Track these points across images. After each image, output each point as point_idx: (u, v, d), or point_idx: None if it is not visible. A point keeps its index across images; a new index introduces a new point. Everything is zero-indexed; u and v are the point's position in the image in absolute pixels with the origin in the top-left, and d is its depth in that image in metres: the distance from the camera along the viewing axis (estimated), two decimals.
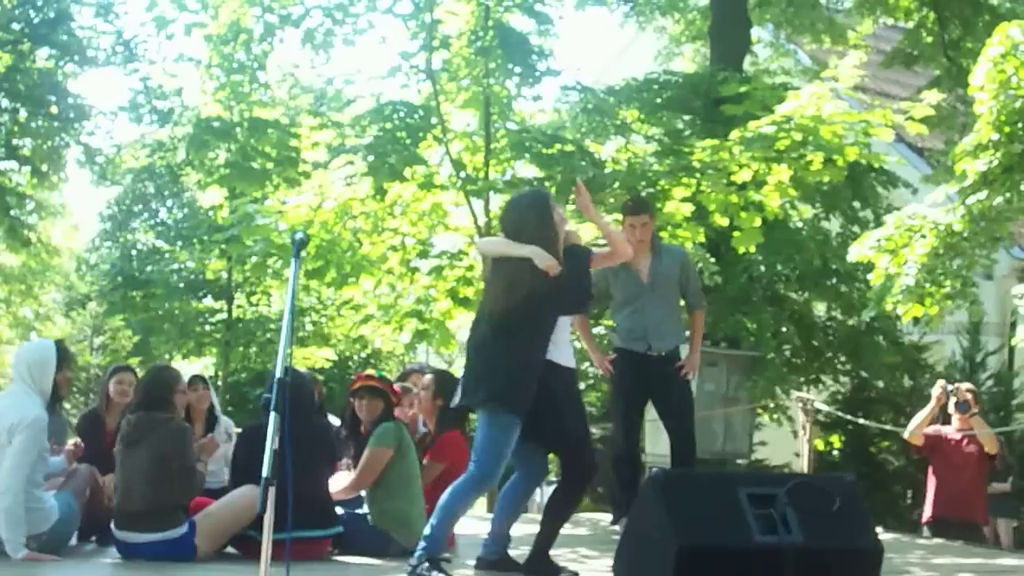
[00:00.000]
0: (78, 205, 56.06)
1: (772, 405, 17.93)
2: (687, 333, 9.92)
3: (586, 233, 11.05)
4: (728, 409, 16.66)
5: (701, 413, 12.72)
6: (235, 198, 17.07)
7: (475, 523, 10.38)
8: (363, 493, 9.04)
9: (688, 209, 13.66)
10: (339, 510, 8.76)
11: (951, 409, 11.35)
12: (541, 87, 18.74)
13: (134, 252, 26.95)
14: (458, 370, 12.71)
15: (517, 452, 7.37)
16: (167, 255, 23.03)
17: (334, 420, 10.52)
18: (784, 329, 18.08)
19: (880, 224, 14.15)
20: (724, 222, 13.88)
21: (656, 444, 14.04)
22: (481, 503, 13.48)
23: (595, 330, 10.20)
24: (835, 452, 18.21)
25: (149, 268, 22.59)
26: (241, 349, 21.47)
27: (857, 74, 13.90)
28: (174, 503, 8.15)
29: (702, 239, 14.26)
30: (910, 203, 14.01)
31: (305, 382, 8.67)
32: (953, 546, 10.76)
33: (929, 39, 19.66)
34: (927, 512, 11.60)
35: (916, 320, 13.47)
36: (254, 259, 15.08)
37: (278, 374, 5.86)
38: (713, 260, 14.74)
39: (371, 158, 13.85)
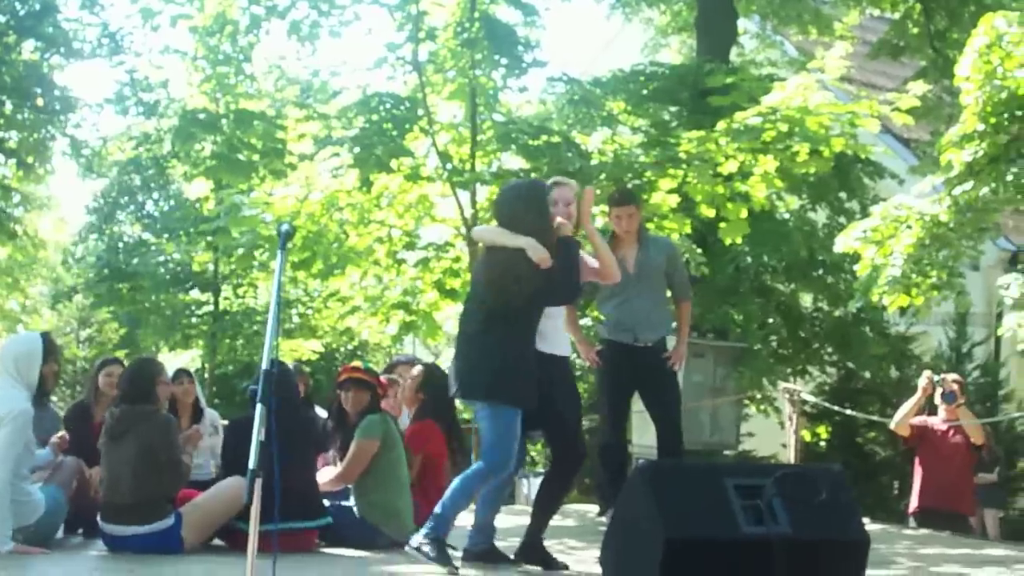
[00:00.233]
0: (64, 197, 55.98)
1: (759, 396, 17.96)
2: (674, 324, 9.92)
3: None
4: (715, 400, 16.67)
5: (688, 404, 12.73)
6: (221, 190, 17.05)
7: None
8: (349, 486, 9.03)
9: (675, 200, 13.67)
10: (325, 503, 8.75)
11: (938, 400, 11.37)
12: (527, 78, 18.72)
13: (120, 244, 26.95)
14: (444, 362, 12.67)
15: None
16: (153, 247, 23.01)
17: (321, 412, 10.51)
18: (771, 320, 18.11)
19: (866, 215, 14.17)
20: (711, 213, 13.88)
21: (643, 435, 14.04)
22: None
23: (582, 321, 10.17)
24: (822, 443, 18.24)
25: (135, 260, 22.54)
26: (228, 341, 21.46)
27: (843, 65, 13.92)
28: (160, 495, 8.14)
29: (688, 230, 14.26)
30: (896, 194, 14.02)
31: (288, 374, 8.67)
32: (940, 537, 10.78)
33: (915, 30, 19.66)
34: (914, 503, 11.61)
35: (903, 311, 13.51)
36: (240, 251, 15.05)
37: (264, 366, 5.86)
38: (700, 251, 14.73)
39: (357, 150, 13.84)
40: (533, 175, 13.30)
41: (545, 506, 7.91)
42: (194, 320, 21.65)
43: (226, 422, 10.16)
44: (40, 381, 8.25)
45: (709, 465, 9.53)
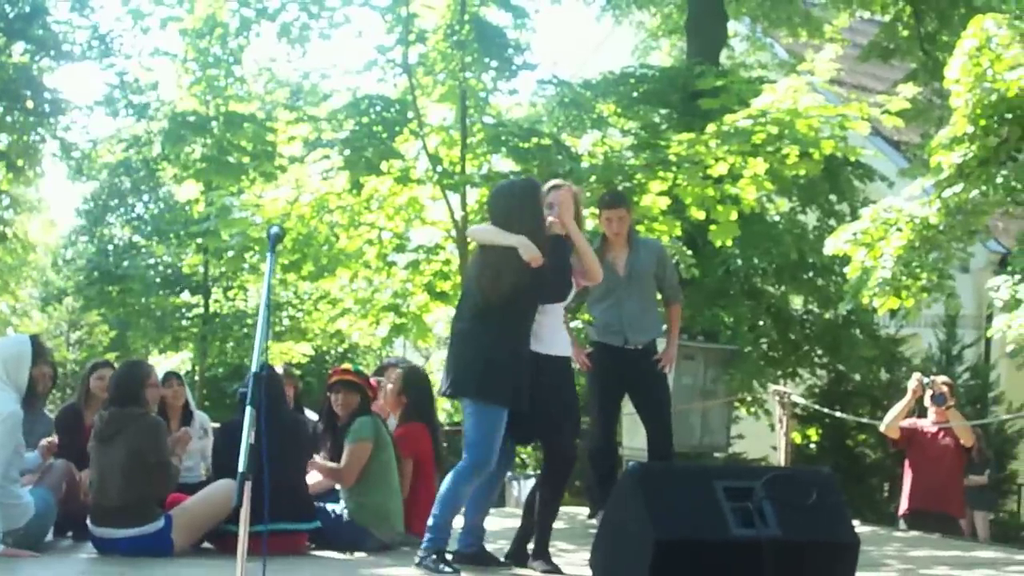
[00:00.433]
0: (54, 200, 55.96)
1: (749, 398, 17.94)
2: (664, 327, 9.92)
3: None
4: (705, 403, 16.67)
5: (678, 407, 12.73)
6: (211, 192, 17.02)
7: None
8: (338, 488, 9.03)
9: (665, 203, 13.66)
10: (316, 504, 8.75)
11: (927, 402, 11.37)
12: (518, 81, 18.70)
13: (110, 247, 26.91)
14: (434, 364, 12.65)
15: None
16: (143, 250, 23.03)
17: (311, 414, 10.51)
18: (761, 322, 18.10)
19: (856, 217, 14.17)
20: (701, 215, 13.87)
21: (633, 438, 14.05)
22: None
23: (572, 324, 10.16)
24: (812, 445, 18.22)
25: (125, 263, 22.51)
26: (218, 344, 21.40)
27: (833, 67, 13.90)
28: (150, 498, 8.14)
29: (679, 233, 14.26)
30: (886, 196, 14.03)
31: (275, 376, 8.65)
32: (930, 539, 10.79)
33: (905, 32, 19.69)
34: (904, 505, 11.62)
35: (893, 313, 13.51)
36: (230, 253, 15.04)
37: (254, 368, 5.85)
38: (690, 253, 14.74)
39: (347, 152, 13.83)
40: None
41: (540, 512, 7.87)
42: (184, 323, 21.59)
43: (216, 425, 10.16)
44: (30, 384, 8.24)
45: (699, 467, 9.53)
